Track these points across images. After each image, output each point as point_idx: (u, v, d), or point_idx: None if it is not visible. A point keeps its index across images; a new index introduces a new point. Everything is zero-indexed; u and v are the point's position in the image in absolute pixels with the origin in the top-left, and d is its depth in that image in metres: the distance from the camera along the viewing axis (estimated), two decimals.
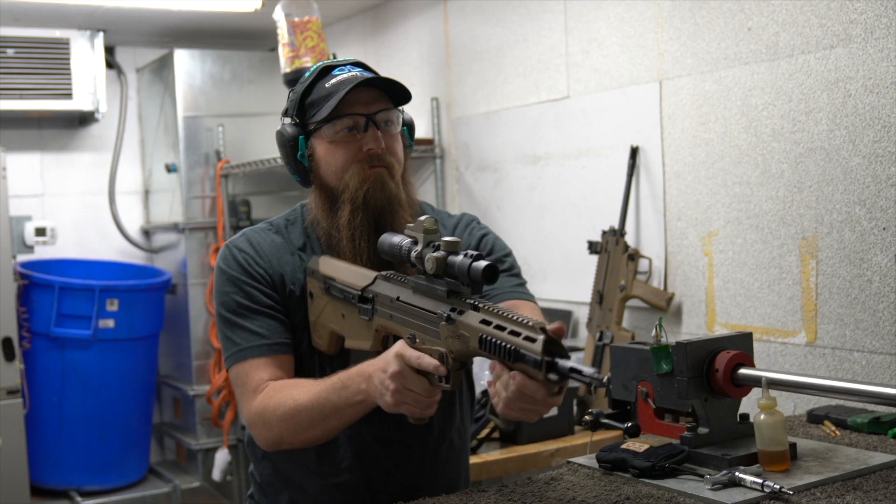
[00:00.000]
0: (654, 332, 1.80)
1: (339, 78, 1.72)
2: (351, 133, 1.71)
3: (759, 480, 1.52)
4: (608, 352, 2.77)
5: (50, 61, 4.56)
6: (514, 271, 1.84)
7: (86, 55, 4.63)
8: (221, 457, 4.52)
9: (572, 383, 2.85)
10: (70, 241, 4.84)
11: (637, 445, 1.70)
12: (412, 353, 1.45)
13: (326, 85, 1.71)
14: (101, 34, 4.65)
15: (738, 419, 1.75)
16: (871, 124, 2.34)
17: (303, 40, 3.90)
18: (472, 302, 1.43)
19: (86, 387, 4.31)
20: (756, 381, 1.65)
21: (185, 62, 4.65)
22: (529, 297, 1.80)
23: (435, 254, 1.47)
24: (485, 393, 2.74)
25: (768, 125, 2.62)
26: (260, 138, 4.77)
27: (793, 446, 1.69)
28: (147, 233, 5.09)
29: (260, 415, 1.66)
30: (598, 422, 1.86)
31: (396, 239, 1.58)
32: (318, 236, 1.78)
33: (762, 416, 1.61)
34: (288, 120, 1.77)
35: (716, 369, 1.69)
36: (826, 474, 1.59)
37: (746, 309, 2.71)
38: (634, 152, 3.05)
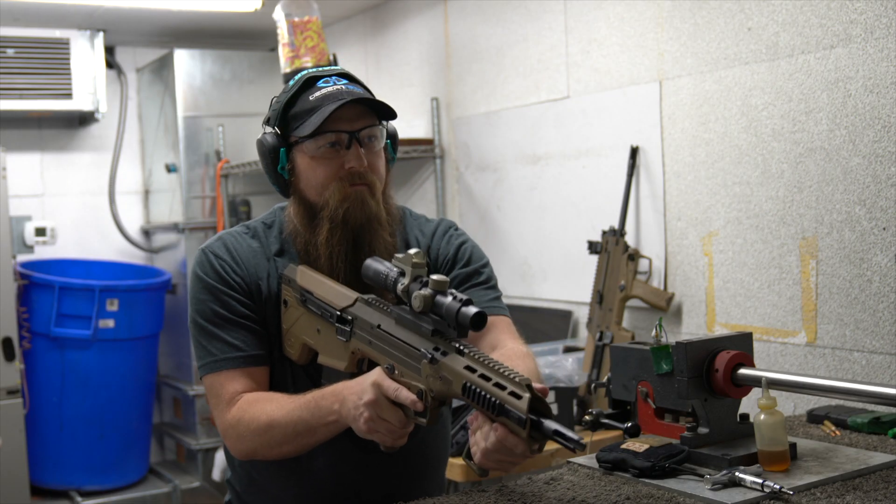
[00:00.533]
0: (654, 332, 1.80)
1: (323, 91, 1.68)
2: (333, 149, 1.68)
3: (759, 480, 1.52)
4: (608, 352, 2.78)
5: (50, 61, 4.56)
6: (490, 283, 1.82)
7: (86, 55, 4.63)
8: (221, 457, 4.51)
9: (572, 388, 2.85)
10: (70, 241, 4.85)
11: (637, 445, 1.70)
12: (390, 385, 1.45)
13: (311, 98, 1.68)
14: (101, 34, 4.65)
15: (738, 419, 1.75)
16: (871, 124, 2.34)
17: (303, 40, 3.90)
18: (457, 346, 1.42)
19: (86, 387, 4.31)
20: (756, 381, 1.65)
21: (185, 62, 4.65)
22: (503, 312, 1.79)
23: (423, 291, 1.44)
24: None
25: (768, 125, 2.62)
26: None
27: (793, 446, 1.69)
28: (147, 233, 5.10)
29: (234, 427, 1.66)
30: (598, 422, 1.86)
31: (383, 268, 1.55)
32: (295, 247, 1.75)
33: (762, 416, 1.61)
34: (269, 129, 1.74)
35: (716, 369, 1.69)
36: (826, 474, 1.59)
37: (746, 309, 2.71)
38: (634, 152, 3.05)
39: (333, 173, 1.68)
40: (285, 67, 3.94)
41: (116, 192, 4.99)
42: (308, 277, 1.70)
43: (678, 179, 2.92)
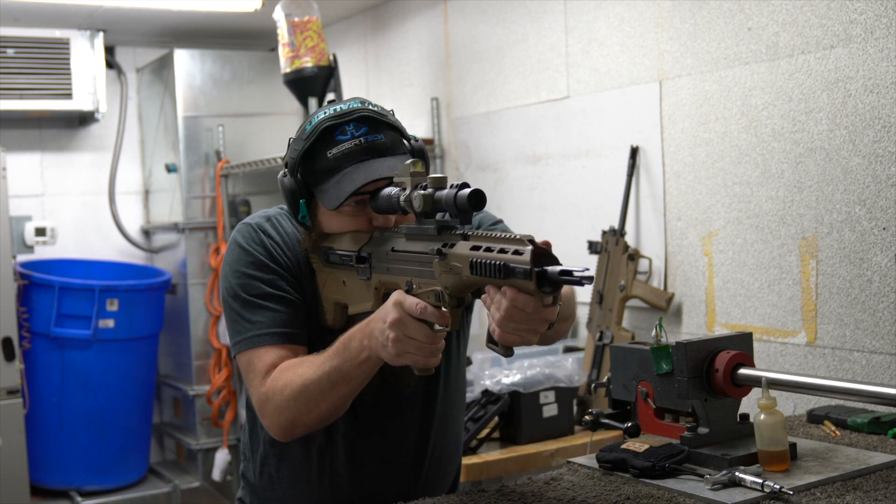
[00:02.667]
0: (654, 332, 1.80)
1: (343, 149, 1.62)
2: (358, 206, 1.65)
3: (759, 480, 1.52)
4: (608, 352, 2.78)
5: (50, 61, 4.56)
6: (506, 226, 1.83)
7: (86, 55, 4.63)
8: (221, 457, 4.52)
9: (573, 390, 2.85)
10: (70, 241, 4.84)
11: (637, 445, 1.70)
12: (411, 301, 1.43)
13: (329, 155, 1.62)
14: (101, 34, 4.65)
15: (738, 419, 1.75)
16: (871, 124, 2.34)
17: (303, 40, 3.90)
18: (461, 232, 1.43)
19: (86, 387, 4.31)
20: (756, 381, 1.65)
21: (185, 62, 4.65)
22: None
23: (422, 192, 1.46)
24: (484, 393, 2.75)
25: (768, 125, 2.62)
26: (260, 138, 4.77)
27: (793, 446, 1.69)
28: (147, 233, 5.10)
29: (270, 399, 1.61)
30: (598, 422, 1.86)
31: (387, 190, 1.56)
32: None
33: (762, 416, 1.61)
34: (286, 171, 1.70)
35: (716, 369, 1.69)
36: (826, 474, 1.59)
37: (746, 309, 2.71)
38: (634, 152, 3.05)
39: (360, 227, 1.66)
40: (285, 67, 3.94)
41: (116, 192, 4.99)
42: (330, 237, 1.70)
43: (678, 179, 2.92)
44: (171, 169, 4.70)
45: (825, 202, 2.47)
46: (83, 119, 4.85)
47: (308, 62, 3.89)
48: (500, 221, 1.86)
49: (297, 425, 1.62)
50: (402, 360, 1.46)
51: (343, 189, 1.60)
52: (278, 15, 3.94)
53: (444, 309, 1.44)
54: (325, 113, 1.66)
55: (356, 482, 1.76)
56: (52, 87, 4.56)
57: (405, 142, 1.69)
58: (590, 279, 1.25)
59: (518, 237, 1.31)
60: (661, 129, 2.96)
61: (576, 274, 1.24)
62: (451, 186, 1.43)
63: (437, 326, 1.44)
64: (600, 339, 3.01)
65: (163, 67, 4.76)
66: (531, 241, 1.29)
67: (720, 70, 2.75)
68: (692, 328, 2.89)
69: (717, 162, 2.78)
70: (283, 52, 3.94)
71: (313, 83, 3.93)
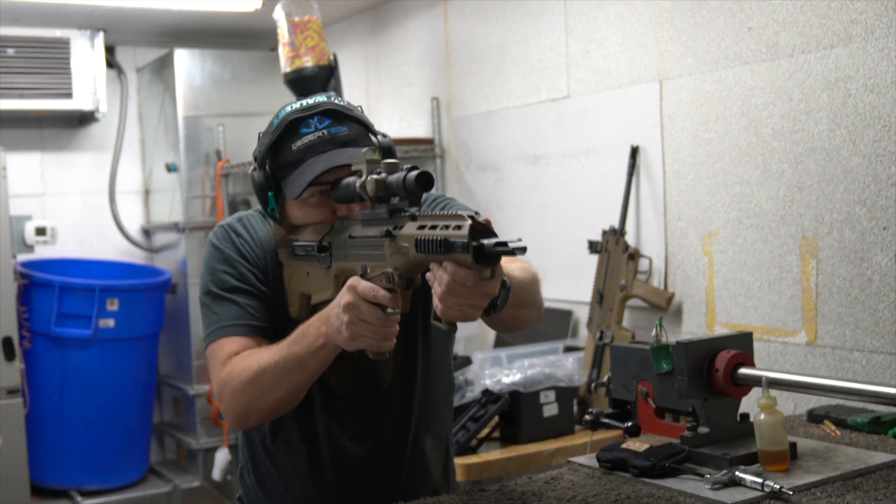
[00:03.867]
0: (654, 332, 1.80)
1: (306, 141, 1.65)
2: (322, 196, 1.67)
3: (759, 480, 1.52)
4: (608, 351, 2.78)
5: (50, 61, 4.56)
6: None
7: (86, 55, 4.63)
8: (221, 456, 4.52)
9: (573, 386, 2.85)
10: (70, 241, 4.85)
11: (637, 445, 1.70)
12: (364, 284, 1.45)
13: (293, 147, 1.66)
14: (101, 34, 4.65)
15: (739, 419, 1.75)
16: (872, 124, 2.34)
17: (303, 40, 3.90)
18: (409, 213, 1.46)
19: (86, 386, 4.31)
20: (756, 381, 1.65)
21: (185, 62, 4.65)
22: None
23: (374, 176, 1.49)
24: (485, 392, 2.74)
25: (768, 125, 2.62)
26: None
27: (793, 446, 1.69)
28: (147, 232, 5.10)
29: (226, 384, 1.63)
30: (599, 421, 1.86)
31: (347, 180, 1.59)
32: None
33: (762, 416, 1.61)
34: (255, 167, 1.73)
35: (716, 369, 1.69)
36: (826, 474, 1.59)
37: (746, 308, 2.71)
38: (634, 152, 3.05)
39: (325, 218, 1.69)
40: (285, 67, 3.94)
41: (116, 192, 4.99)
42: (294, 229, 1.74)
43: (678, 179, 2.92)
44: (171, 169, 4.70)
45: (825, 202, 2.47)
46: (83, 119, 4.85)
47: (308, 62, 3.89)
48: (452, 199, 1.87)
49: (251, 410, 1.63)
50: (356, 345, 1.48)
51: (304, 178, 1.63)
52: (278, 15, 3.94)
53: (395, 291, 1.45)
54: (291, 107, 1.70)
55: (341, 478, 1.78)
56: (52, 87, 4.56)
57: (371, 136, 1.71)
58: (523, 250, 1.27)
59: (459, 213, 1.33)
60: (661, 129, 2.96)
61: (510, 245, 1.27)
62: (401, 170, 1.46)
63: (388, 310, 1.46)
64: (600, 338, 3.01)
65: (163, 67, 4.76)
66: (472, 217, 1.31)
67: (720, 70, 2.75)
68: (692, 328, 2.89)
69: (718, 162, 2.78)
70: (283, 52, 3.94)
71: (313, 83, 3.93)
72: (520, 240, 1.27)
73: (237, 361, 1.64)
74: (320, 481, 1.78)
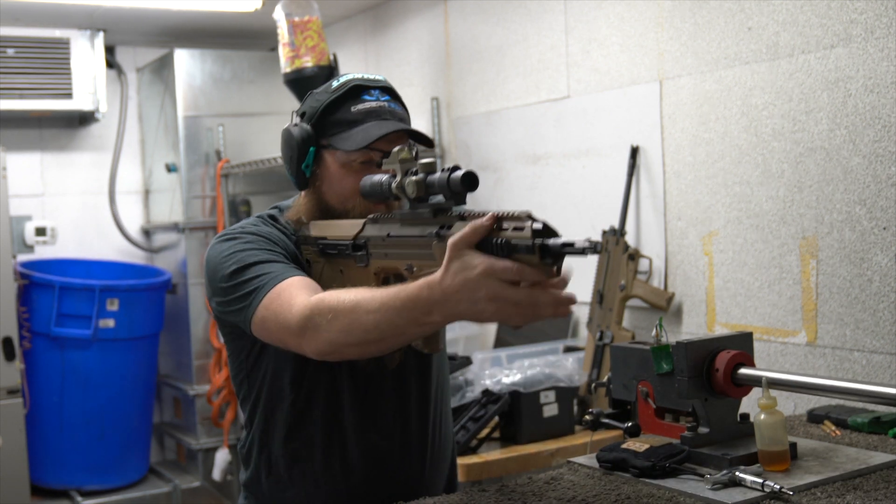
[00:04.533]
0: (654, 332, 1.80)
1: (368, 106, 1.69)
2: (365, 165, 1.68)
3: (760, 480, 1.52)
4: (608, 351, 2.78)
5: (50, 61, 4.56)
6: None
7: (86, 55, 4.63)
8: (222, 456, 4.52)
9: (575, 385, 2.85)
10: (70, 241, 4.85)
11: (637, 445, 1.70)
12: (501, 265, 1.29)
13: (353, 109, 1.69)
14: (101, 34, 4.65)
15: (739, 419, 1.75)
16: (872, 124, 2.34)
17: (303, 40, 3.90)
18: (458, 214, 1.44)
19: (86, 387, 4.31)
20: (756, 381, 1.65)
21: (185, 62, 4.65)
22: None
23: (414, 178, 1.48)
24: (485, 392, 2.74)
25: (768, 125, 2.62)
26: (260, 138, 4.77)
27: (793, 446, 1.69)
28: (147, 232, 5.10)
29: (308, 318, 1.48)
30: (599, 421, 1.86)
31: (376, 178, 1.58)
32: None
33: (762, 416, 1.61)
34: (299, 121, 1.73)
35: (716, 369, 1.69)
36: (826, 474, 1.59)
37: (747, 309, 2.71)
38: (634, 152, 3.05)
39: (354, 189, 1.68)
40: (285, 67, 3.94)
41: (116, 192, 4.99)
42: (319, 226, 1.72)
43: (678, 179, 2.92)
44: (171, 169, 4.70)
45: (825, 202, 2.47)
46: (83, 119, 4.85)
47: (308, 62, 3.89)
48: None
49: (335, 347, 1.48)
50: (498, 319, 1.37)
51: (369, 134, 1.64)
52: (278, 15, 3.94)
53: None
54: (354, 75, 1.73)
55: (368, 474, 1.77)
56: (52, 87, 4.56)
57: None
58: (593, 248, 1.23)
59: (516, 214, 1.30)
60: (661, 129, 2.96)
61: (577, 245, 1.24)
62: (442, 171, 1.45)
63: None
64: (600, 338, 3.01)
65: (163, 67, 4.76)
66: (530, 216, 1.29)
67: (720, 70, 2.75)
68: (692, 328, 2.89)
69: (718, 162, 2.78)
70: (283, 52, 3.94)
71: (313, 83, 3.92)
72: (588, 240, 1.24)
73: (321, 296, 1.50)
74: (347, 477, 1.77)
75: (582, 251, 1.23)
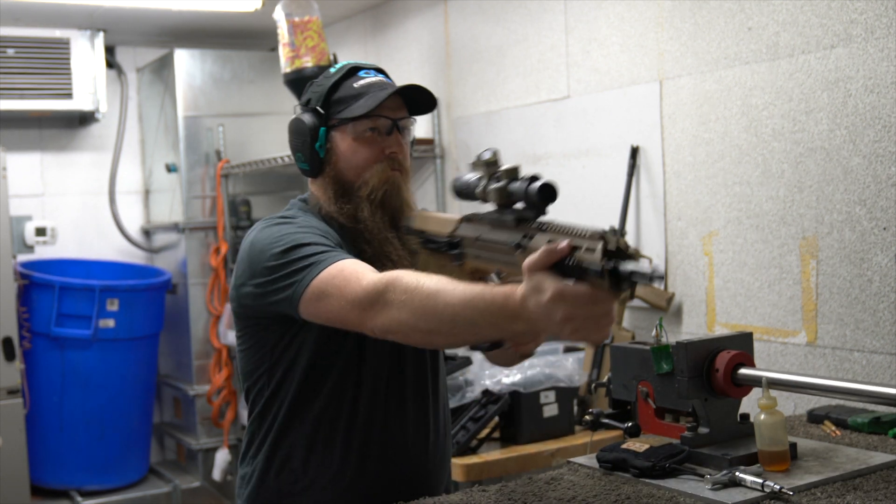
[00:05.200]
0: (654, 332, 1.80)
1: (367, 80, 1.78)
2: (374, 133, 1.76)
3: (760, 480, 1.52)
4: (608, 352, 2.77)
5: (50, 61, 4.56)
6: None
7: (86, 55, 4.63)
8: (222, 456, 4.52)
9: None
10: (70, 241, 4.85)
11: (637, 445, 1.70)
12: (572, 291, 1.29)
13: (355, 85, 1.77)
14: (101, 34, 4.65)
15: (739, 419, 1.75)
16: (872, 124, 2.34)
17: (303, 40, 3.90)
18: (538, 224, 1.45)
19: (86, 387, 4.31)
20: (756, 381, 1.65)
21: (186, 62, 4.65)
22: None
23: (495, 185, 1.51)
24: (485, 393, 2.74)
25: (768, 125, 2.62)
26: (260, 138, 4.77)
27: (793, 446, 1.69)
28: (147, 233, 5.10)
29: (380, 293, 1.47)
30: (599, 422, 1.86)
31: (466, 177, 1.63)
32: (335, 225, 1.77)
33: (762, 416, 1.61)
34: (307, 111, 1.79)
35: (716, 369, 1.69)
36: (826, 474, 1.59)
37: (747, 309, 2.71)
38: (634, 152, 3.05)
39: (374, 156, 1.75)
40: (285, 67, 3.94)
41: (116, 192, 4.99)
42: (420, 218, 1.75)
43: (678, 179, 2.92)
44: (171, 169, 4.70)
45: (825, 202, 2.47)
46: (83, 119, 4.85)
47: (308, 62, 3.89)
48: None
49: (403, 327, 1.47)
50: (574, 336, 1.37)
51: (377, 97, 1.71)
52: (278, 15, 3.94)
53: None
54: (347, 61, 1.84)
55: (384, 468, 1.77)
56: (52, 87, 4.56)
57: None
58: (660, 278, 1.24)
59: (591, 233, 1.31)
60: (661, 129, 2.96)
61: (644, 272, 1.23)
62: (522, 180, 1.47)
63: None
64: None
65: (163, 67, 4.76)
66: (602, 236, 1.28)
67: (720, 70, 2.75)
68: (692, 328, 2.89)
69: (718, 162, 2.78)
70: (283, 52, 3.94)
71: None
72: (656, 268, 1.24)
73: (396, 274, 1.49)
74: (363, 468, 1.76)
75: (649, 279, 1.23)
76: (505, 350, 1.71)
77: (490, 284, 1.47)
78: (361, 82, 1.78)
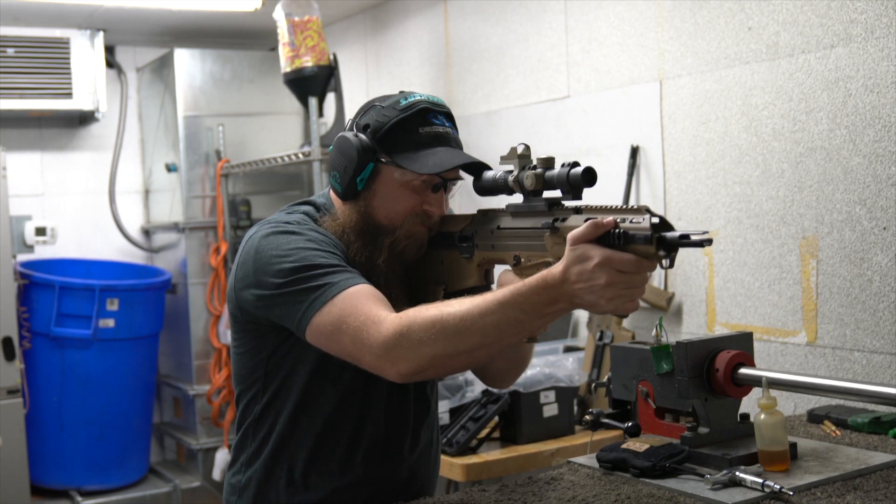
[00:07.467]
0: (654, 332, 1.80)
1: (435, 131, 1.73)
2: (423, 185, 1.71)
3: (760, 480, 1.52)
4: (608, 351, 2.78)
5: (50, 61, 4.56)
6: None
7: (86, 55, 4.63)
8: (221, 456, 4.51)
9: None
10: (70, 241, 4.84)
11: (637, 445, 1.70)
12: (619, 257, 1.35)
13: (422, 131, 1.71)
14: (101, 34, 4.65)
15: (739, 419, 1.75)
16: (872, 124, 2.34)
17: (303, 40, 3.90)
18: (573, 207, 1.51)
19: (86, 386, 4.31)
20: (756, 381, 1.65)
21: (185, 62, 4.65)
22: None
23: (533, 171, 1.57)
24: (485, 392, 2.74)
25: (768, 125, 2.62)
26: (260, 138, 4.77)
27: (793, 446, 1.69)
28: (147, 232, 5.10)
29: (403, 336, 1.45)
30: (599, 421, 1.86)
31: (491, 174, 1.68)
32: (348, 254, 1.70)
33: (762, 416, 1.61)
34: (362, 135, 1.70)
35: (716, 369, 1.69)
36: (826, 474, 1.59)
37: (747, 309, 2.71)
38: (635, 152, 3.05)
39: (412, 207, 1.71)
40: (285, 67, 3.94)
41: (116, 192, 4.99)
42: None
43: (678, 179, 2.92)
44: (171, 168, 4.70)
45: (825, 202, 2.47)
46: (83, 119, 4.85)
47: (308, 62, 3.89)
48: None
49: (436, 360, 1.47)
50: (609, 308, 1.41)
51: (444, 161, 1.68)
52: (278, 14, 3.94)
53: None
54: (419, 96, 1.76)
55: (385, 473, 1.77)
56: (52, 87, 4.56)
57: None
58: (709, 241, 1.31)
59: (634, 208, 1.38)
60: (661, 129, 2.96)
61: (693, 237, 1.31)
62: (562, 166, 1.54)
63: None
64: (600, 338, 3.01)
65: (163, 67, 4.76)
66: (648, 209, 1.36)
67: (720, 70, 2.75)
68: (692, 328, 2.89)
69: (718, 161, 2.78)
70: (283, 52, 3.94)
71: (313, 83, 3.93)
72: (705, 232, 1.31)
73: (412, 313, 1.48)
74: (367, 479, 1.75)
75: (699, 244, 1.31)
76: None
77: (504, 287, 1.47)
78: (428, 130, 1.72)
